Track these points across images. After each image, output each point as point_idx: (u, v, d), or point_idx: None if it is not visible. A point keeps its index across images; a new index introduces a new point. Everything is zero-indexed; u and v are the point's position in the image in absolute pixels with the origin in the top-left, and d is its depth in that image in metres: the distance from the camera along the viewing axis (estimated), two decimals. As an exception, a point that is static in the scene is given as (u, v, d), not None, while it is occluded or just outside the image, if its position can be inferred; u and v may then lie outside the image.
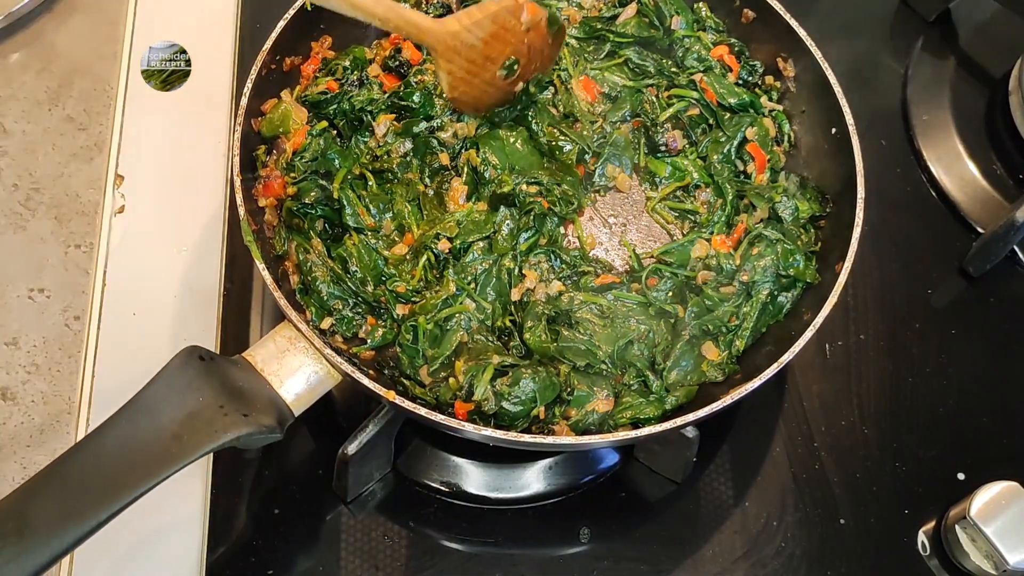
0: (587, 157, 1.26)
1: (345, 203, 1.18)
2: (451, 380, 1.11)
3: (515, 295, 1.17)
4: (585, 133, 1.27)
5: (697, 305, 1.18)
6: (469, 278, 1.16)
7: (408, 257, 1.18)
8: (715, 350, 1.16)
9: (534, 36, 1.16)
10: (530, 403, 1.08)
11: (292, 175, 1.18)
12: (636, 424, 1.09)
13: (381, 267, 1.17)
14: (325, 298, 1.13)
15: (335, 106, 1.24)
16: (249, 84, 1.17)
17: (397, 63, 1.28)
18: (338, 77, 1.24)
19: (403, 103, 1.25)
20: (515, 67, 1.17)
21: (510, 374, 1.09)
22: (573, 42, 1.33)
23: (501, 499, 1.22)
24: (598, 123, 1.28)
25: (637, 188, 1.27)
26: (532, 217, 1.18)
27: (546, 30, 1.18)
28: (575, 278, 1.20)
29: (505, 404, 1.07)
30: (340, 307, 1.14)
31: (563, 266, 1.20)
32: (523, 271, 1.18)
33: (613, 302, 1.18)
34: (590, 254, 1.23)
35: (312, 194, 1.17)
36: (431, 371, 1.12)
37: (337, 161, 1.21)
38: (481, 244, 1.17)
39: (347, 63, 1.25)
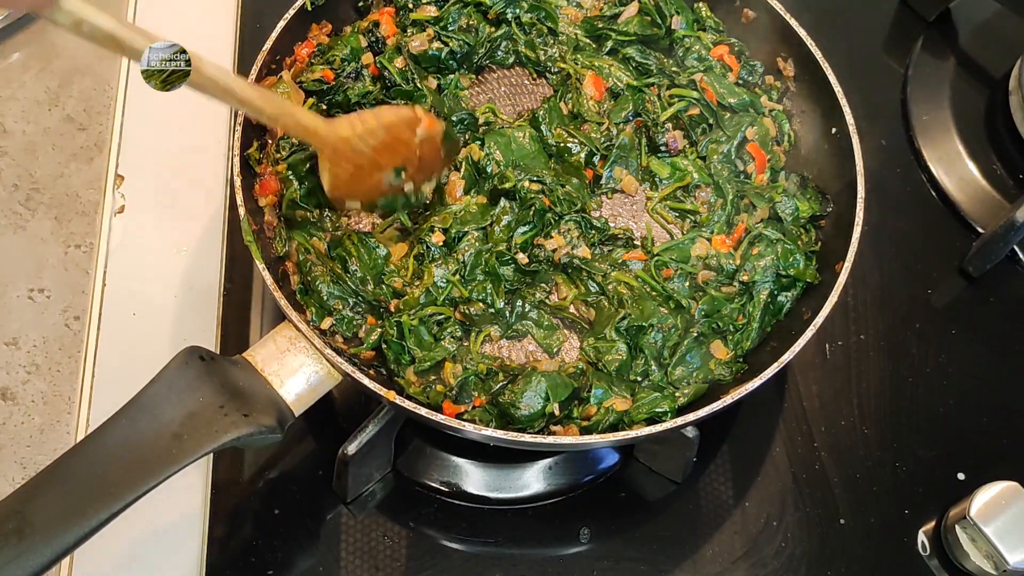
0: (595, 159, 1.27)
1: None
2: (438, 386, 1.11)
3: (523, 259, 1.18)
4: (593, 135, 1.27)
5: (707, 303, 1.18)
6: (454, 268, 1.16)
7: (407, 254, 1.18)
8: (724, 349, 1.17)
9: (427, 148, 1.14)
10: (543, 401, 1.09)
11: (280, 154, 1.18)
12: (653, 419, 1.09)
13: (380, 265, 1.17)
14: (325, 298, 1.13)
15: (330, 97, 1.24)
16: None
17: (374, 38, 1.29)
18: (335, 68, 1.24)
19: (393, 100, 1.26)
20: (402, 174, 1.14)
21: (519, 380, 1.10)
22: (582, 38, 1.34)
23: (501, 499, 1.22)
24: (604, 124, 1.28)
25: (642, 191, 1.27)
26: (532, 212, 1.19)
27: (440, 143, 1.16)
28: (605, 246, 1.22)
29: (515, 410, 1.08)
30: (340, 307, 1.14)
31: (593, 232, 1.21)
32: (548, 235, 1.21)
33: (641, 285, 1.18)
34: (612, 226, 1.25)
35: (305, 166, 1.17)
36: (417, 371, 1.12)
37: None
38: (476, 234, 1.17)
39: (344, 53, 1.25)
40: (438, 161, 1.17)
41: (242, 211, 1.10)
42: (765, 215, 1.24)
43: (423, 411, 1.02)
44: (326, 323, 1.13)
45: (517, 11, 1.33)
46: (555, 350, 1.17)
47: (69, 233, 1.40)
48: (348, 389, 1.13)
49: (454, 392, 1.11)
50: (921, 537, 1.23)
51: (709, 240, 1.23)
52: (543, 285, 1.20)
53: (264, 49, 1.19)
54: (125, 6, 1.51)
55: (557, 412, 1.10)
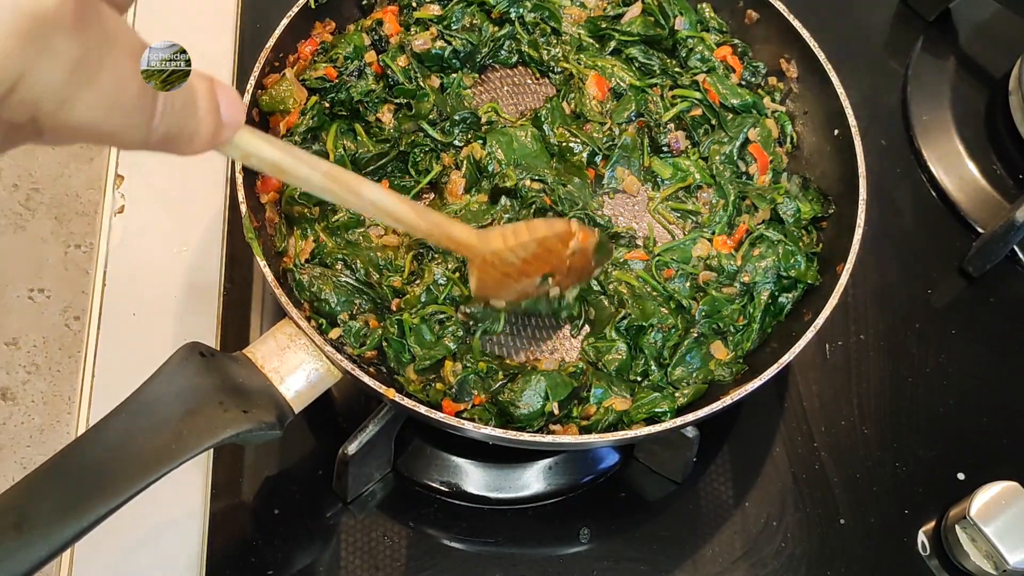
0: (597, 159, 1.27)
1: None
2: (438, 384, 1.11)
3: None
4: (595, 135, 1.27)
5: (707, 304, 1.18)
6: (454, 267, 1.16)
7: (402, 252, 1.18)
8: (724, 349, 1.17)
9: (578, 258, 1.10)
10: (542, 400, 1.09)
11: None
12: (653, 419, 1.09)
13: (376, 258, 1.17)
14: (334, 305, 1.13)
15: (333, 95, 1.24)
16: (251, 83, 1.17)
17: (377, 37, 1.29)
18: (338, 66, 1.25)
19: (396, 99, 1.27)
20: (549, 280, 1.10)
21: (519, 379, 1.10)
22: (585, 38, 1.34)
23: (501, 499, 1.22)
24: (607, 124, 1.28)
25: (643, 191, 1.27)
26: (533, 211, 1.19)
27: (592, 254, 1.12)
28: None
29: (515, 409, 1.08)
30: (347, 318, 1.13)
31: (597, 228, 1.21)
32: None
33: (642, 284, 1.18)
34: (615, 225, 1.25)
35: None
36: (417, 369, 1.12)
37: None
38: None
39: (348, 51, 1.25)
40: (588, 269, 1.14)
41: (244, 208, 1.10)
42: (767, 216, 1.24)
43: (423, 409, 1.02)
44: (334, 334, 1.12)
45: (521, 11, 1.33)
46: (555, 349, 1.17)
47: (69, 233, 1.41)
48: (348, 389, 1.13)
49: (454, 390, 1.10)
50: (921, 537, 1.23)
51: (710, 241, 1.23)
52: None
53: (267, 46, 1.19)
54: (126, 6, 1.50)
55: (556, 411, 1.10)
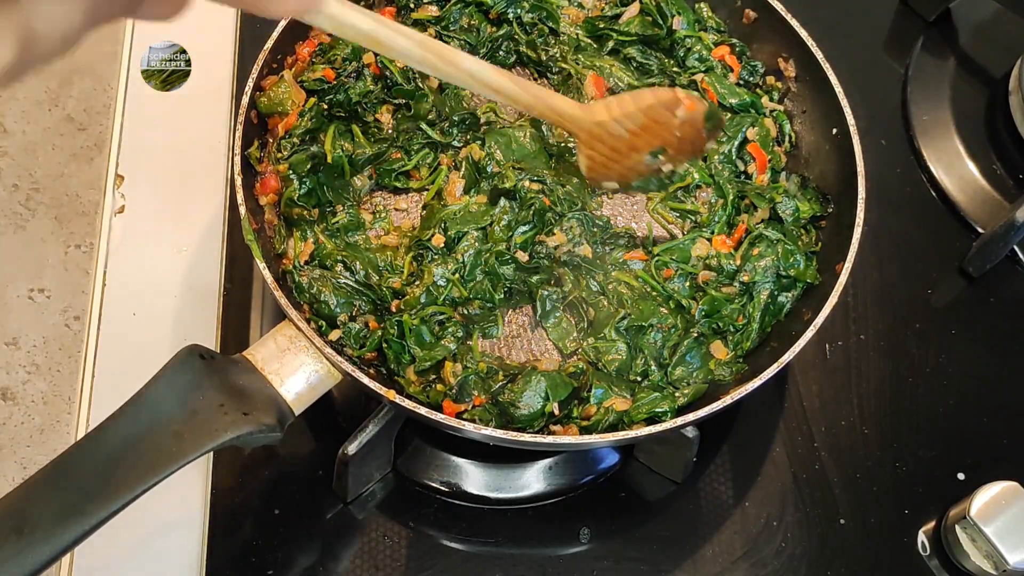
0: None
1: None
2: (439, 385, 1.11)
3: (523, 257, 1.17)
4: None
5: (707, 303, 1.18)
6: (453, 268, 1.16)
7: (401, 253, 1.18)
8: (724, 349, 1.17)
9: (688, 128, 1.09)
10: (542, 400, 1.09)
11: (281, 153, 1.18)
12: (653, 419, 1.09)
13: (375, 259, 1.17)
14: (333, 308, 1.13)
15: (331, 96, 1.24)
16: (250, 83, 1.17)
17: None
18: (336, 67, 1.24)
19: (395, 99, 1.27)
20: (661, 155, 1.10)
21: (519, 380, 1.10)
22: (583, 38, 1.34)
23: (501, 499, 1.22)
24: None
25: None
26: (532, 212, 1.19)
27: (702, 124, 1.10)
28: (607, 245, 1.22)
29: (515, 409, 1.08)
30: (346, 319, 1.13)
31: (596, 230, 1.21)
32: (551, 233, 1.20)
33: (642, 284, 1.18)
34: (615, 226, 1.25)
35: (307, 166, 1.18)
36: (417, 370, 1.12)
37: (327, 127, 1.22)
38: (475, 234, 1.17)
39: (346, 52, 1.25)
40: (700, 141, 1.12)
41: (243, 210, 1.10)
42: (766, 215, 1.24)
43: (423, 410, 1.02)
44: (334, 335, 1.12)
45: (518, 11, 1.33)
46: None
47: (69, 233, 1.41)
48: (348, 389, 1.13)
49: (454, 391, 1.10)
50: (921, 537, 1.23)
51: (709, 240, 1.23)
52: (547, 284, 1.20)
53: (266, 48, 1.19)
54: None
55: (557, 412, 1.10)
